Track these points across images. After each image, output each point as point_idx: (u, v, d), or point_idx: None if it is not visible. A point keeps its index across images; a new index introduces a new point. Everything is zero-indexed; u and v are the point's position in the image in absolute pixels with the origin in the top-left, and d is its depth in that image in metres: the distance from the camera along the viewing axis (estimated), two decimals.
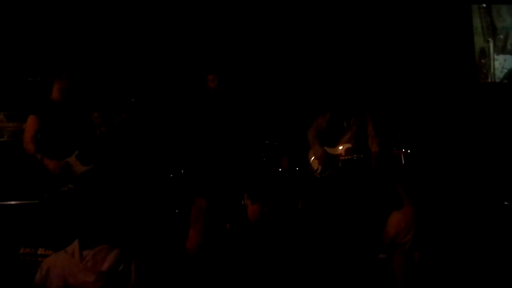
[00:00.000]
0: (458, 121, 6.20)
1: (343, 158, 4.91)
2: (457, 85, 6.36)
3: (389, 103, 6.06)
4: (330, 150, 5.01)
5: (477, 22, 6.60)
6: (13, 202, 4.79)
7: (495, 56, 6.62)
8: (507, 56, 6.64)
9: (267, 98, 6.15)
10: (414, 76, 6.27)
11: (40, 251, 3.16)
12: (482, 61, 6.63)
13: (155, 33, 6.02)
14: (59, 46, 5.63)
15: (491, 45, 6.61)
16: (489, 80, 6.65)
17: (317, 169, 4.98)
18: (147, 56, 5.98)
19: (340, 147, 4.97)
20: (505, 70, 6.62)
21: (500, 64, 6.62)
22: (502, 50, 6.65)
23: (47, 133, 4.37)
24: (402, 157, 4.83)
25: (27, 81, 5.55)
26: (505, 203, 5.14)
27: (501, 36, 6.62)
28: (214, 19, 6.13)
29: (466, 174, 5.77)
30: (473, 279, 3.43)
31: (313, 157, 5.04)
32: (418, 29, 6.32)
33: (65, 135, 4.39)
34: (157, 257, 3.07)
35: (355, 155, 4.88)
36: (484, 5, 6.65)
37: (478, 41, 6.60)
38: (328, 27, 6.27)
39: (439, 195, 5.03)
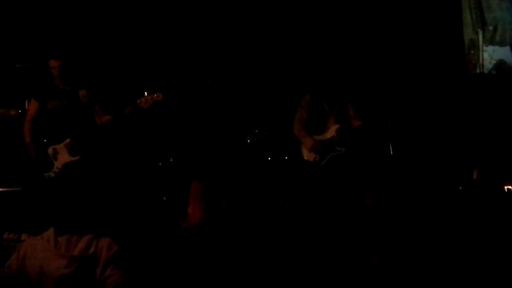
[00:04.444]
0: (447, 112, 6.22)
1: (337, 139, 4.92)
2: (446, 76, 6.36)
3: (378, 93, 6.07)
4: (320, 137, 5.02)
5: (466, 13, 6.59)
6: None
7: (484, 47, 6.62)
8: (496, 47, 6.65)
9: (255, 87, 6.15)
10: (403, 67, 6.28)
11: (24, 236, 3.19)
12: (471, 52, 6.63)
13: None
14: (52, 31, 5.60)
15: (480, 36, 6.61)
16: (478, 71, 6.67)
17: (315, 159, 4.98)
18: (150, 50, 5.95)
19: (330, 131, 4.98)
20: (494, 61, 6.64)
21: (489, 55, 6.62)
22: (491, 41, 6.65)
23: (44, 116, 4.43)
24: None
25: (14, 68, 5.51)
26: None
27: (491, 27, 6.62)
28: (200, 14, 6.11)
29: (453, 165, 5.80)
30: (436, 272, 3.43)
31: (306, 150, 5.04)
32: (407, 20, 6.31)
33: (60, 121, 4.42)
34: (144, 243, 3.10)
35: (337, 150, 4.92)
36: None
37: (468, 32, 6.60)
38: (314, 15, 6.25)
39: (423, 186, 5.07)
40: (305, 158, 5.07)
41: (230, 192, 3.40)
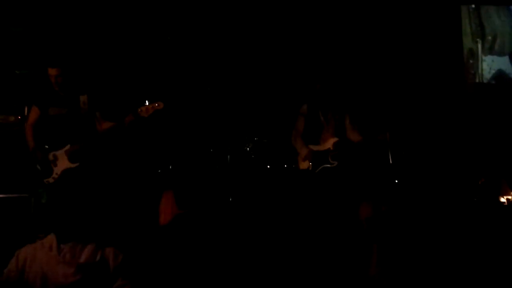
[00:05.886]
0: (445, 121, 6.24)
1: (333, 153, 4.92)
2: (444, 85, 6.39)
3: (378, 102, 6.09)
4: (317, 148, 5.02)
5: (465, 22, 6.64)
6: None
7: (483, 57, 6.66)
8: (495, 57, 6.68)
9: (256, 95, 6.16)
10: (402, 76, 6.30)
11: None
12: (470, 61, 6.67)
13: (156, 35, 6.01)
14: (53, 38, 5.61)
15: (479, 46, 6.65)
16: (477, 80, 6.70)
17: (308, 168, 4.98)
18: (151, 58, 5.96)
19: (327, 143, 4.98)
20: (493, 71, 6.67)
21: (487, 65, 6.67)
22: (490, 51, 6.69)
23: (45, 122, 4.43)
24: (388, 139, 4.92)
25: (14, 74, 5.51)
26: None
27: (490, 37, 6.67)
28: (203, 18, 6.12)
29: (451, 173, 5.81)
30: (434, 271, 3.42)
31: (301, 159, 5.05)
32: (406, 29, 6.34)
33: (61, 127, 4.42)
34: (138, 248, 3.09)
35: (330, 163, 4.92)
36: (473, 6, 6.69)
37: (467, 42, 6.64)
38: (316, 25, 6.28)
39: (424, 193, 5.08)
40: (300, 167, 5.08)
41: (188, 197, 3.38)
